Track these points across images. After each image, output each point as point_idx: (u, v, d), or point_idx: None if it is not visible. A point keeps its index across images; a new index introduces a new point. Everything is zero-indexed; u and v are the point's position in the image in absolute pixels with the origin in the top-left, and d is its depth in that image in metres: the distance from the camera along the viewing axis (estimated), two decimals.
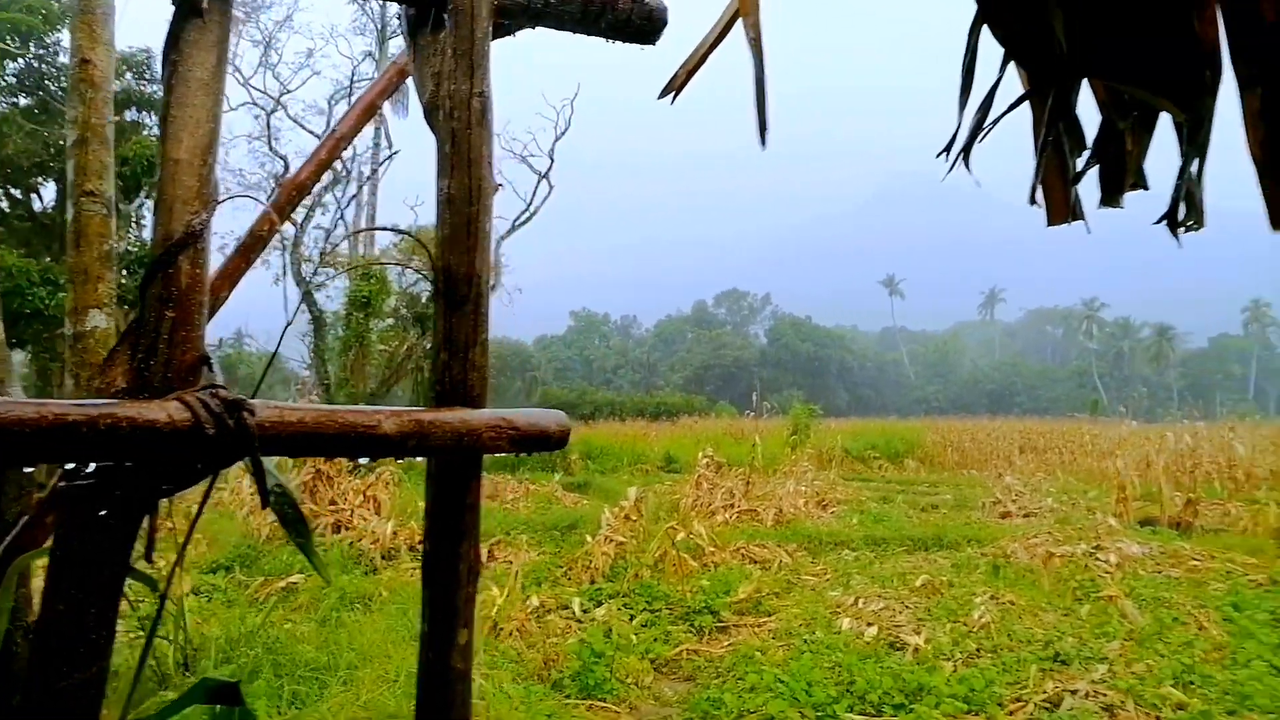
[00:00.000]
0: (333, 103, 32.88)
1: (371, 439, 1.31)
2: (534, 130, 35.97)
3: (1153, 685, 5.44)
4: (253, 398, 1.34)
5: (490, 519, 13.73)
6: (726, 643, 6.97)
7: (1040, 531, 11.16)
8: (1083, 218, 1.39)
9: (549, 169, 30.38)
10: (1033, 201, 1.35)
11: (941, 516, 15.10)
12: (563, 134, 30.06)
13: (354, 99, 33.34)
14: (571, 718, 4.73)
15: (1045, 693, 5.32)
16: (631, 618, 7.48)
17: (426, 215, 47.42)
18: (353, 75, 32.47)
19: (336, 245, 29.77)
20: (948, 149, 1.34)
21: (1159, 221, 1.28)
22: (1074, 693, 5.29)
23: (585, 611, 7.51)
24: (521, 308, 36.63)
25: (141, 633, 4.93)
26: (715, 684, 5.69)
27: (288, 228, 28.40)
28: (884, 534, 12.42)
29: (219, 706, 1.39)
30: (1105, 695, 5.25)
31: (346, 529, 11.42)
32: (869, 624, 7.09)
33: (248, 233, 1.76)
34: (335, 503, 12.27)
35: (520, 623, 6.66)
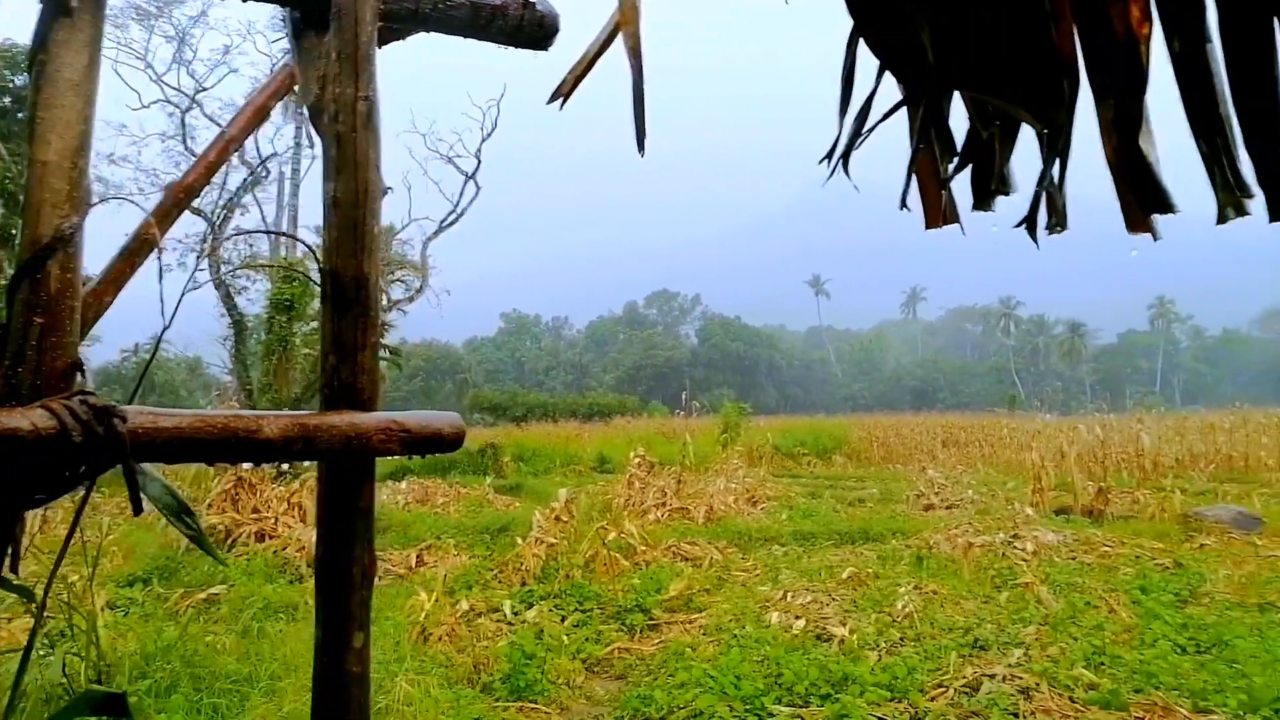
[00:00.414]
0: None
1: (253, 444, 1.28)
2: (460, 131, 35.48)
3: (1066, 667, 5.65)
4: (130, 403, 1.30)
5: (420, 524, 13.53)
6: (658, 640, 7.00)
7: (961, 523, 11.48)
8: (957, 220, 1.44)
9: (476, 170, 30.07)
10: (903, 205, 1.39)
11: (868, 510, 15.41)
12: (489, 135, 29.80)
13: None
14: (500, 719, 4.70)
15: (965, 678, 5.48)
16: (563, 618, 7.46)
17: None
18: (271, 72, 31.64)
19: (252, 247, 28.94)
20: (829, 155, 1.37)
21: (1019, 225, 1.33)
22: (992, 677, 5.46)
23: (516, 614, 7.46)
24: (450, 310, 36.14)
25: (52, 650, 4.73)
26: (646, 681, 5.71)
27: (200, 228, 27.53)
28: (812, 529, 12.62)
29: (105, 718, 1.34)
30: (1021, 678, 5.43)
31: (271, 537, 11.12)
32: (797, 617, 7.20)
33: (133, 236, 1.70)
34: (258, 510, 11.94)
35: (450, 627, 6.58)
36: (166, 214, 1.79)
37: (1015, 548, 9.91)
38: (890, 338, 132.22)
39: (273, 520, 11.64)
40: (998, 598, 7.86)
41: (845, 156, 1.35)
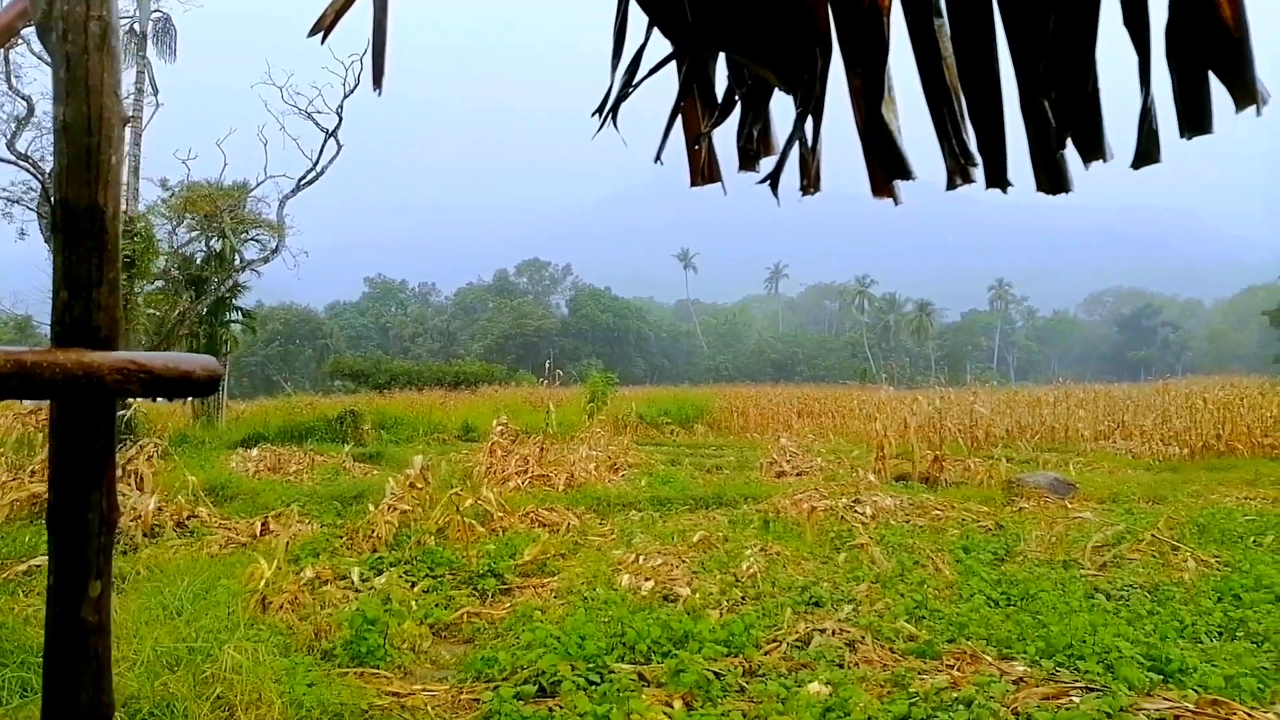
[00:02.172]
0: None
1: None
2: (321, 86, 33.68)
3: (890, 621, 6.04)
4: None
5: (270, 492, 13.06)
6: (509, 604, 7.03)
7: (809, 488, 11.99)
8: (719, 179, 1.49)
9: (337, 127, 28.74)
10: (658, 160, 1.44)
11: (724, 477, 15.89)
12: (352, 91, 28.52)
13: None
14: (339, 685, 4.62)
15: (798, 633, 5.78)
16: (413, 584, 7.38)
17: (200, 169, 43.60)
18: None
19: None
20: (600, 109, 1.40)
21: (762, 181, 1.41)
22: (822, 631, 5.78)
23: (365, 580, 7.33)
24: (311, 273, 34.57)
25: None
26: (493, 644, 5.74)
27: (24, 178, 25.31)
28: (669, 494, 12.92)
29: None
30: (849, 632, 5.78)
31: None
32: (647, 579, 7.38)
33: None
34: None
35: (292, 595, 6.40)
36: None
37: (856, 511, 10.45)
38: (754, 312, 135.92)
39: None
40: (836, 558, 8.29)
41: (615, 109, 1.38)
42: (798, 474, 15.86)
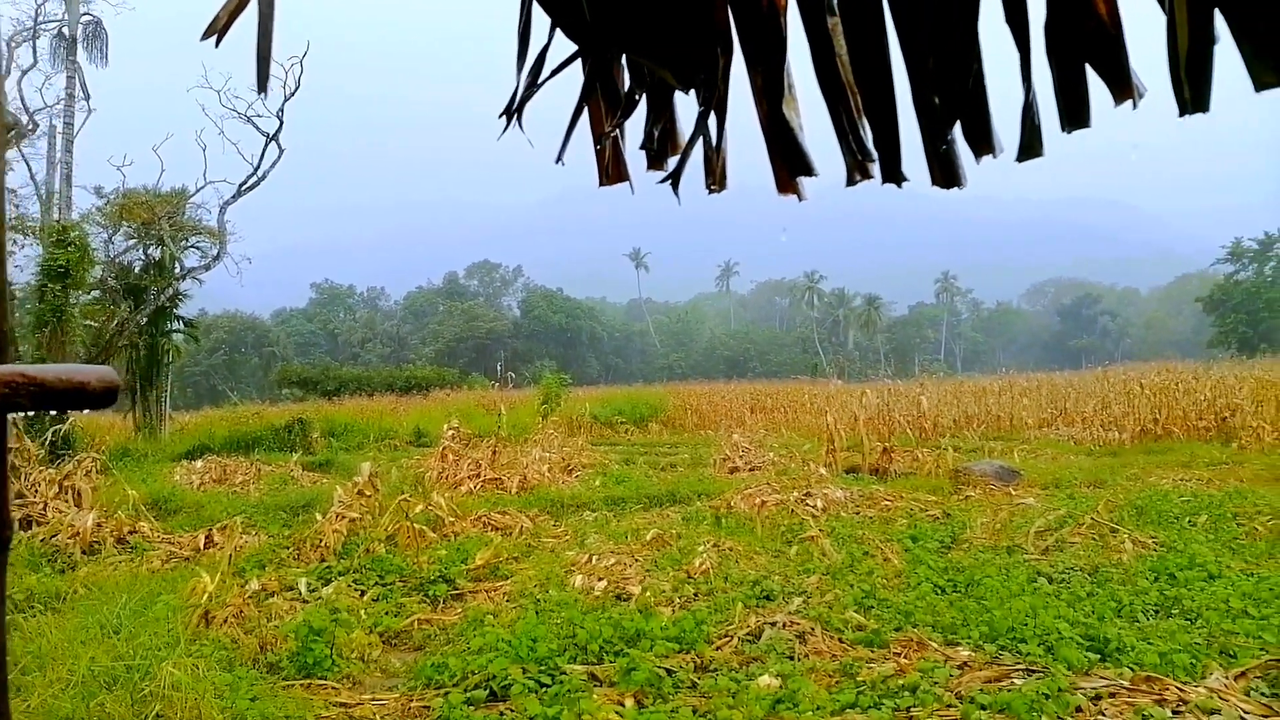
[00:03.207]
0: (13, 44, 28.49)
1: None
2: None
3: (839, 611, 6.11)
4: None
5: (215, 504, 12.80)
6: (460, 610, 6.97)
7: (761, 483, 12.09)
8: (627, 179, 1.50)
9: (278, 131, 28.23)
10: (559, 161, 1.44)
11: (678, 475, 15.95)
12: (293, 94, 28.03)
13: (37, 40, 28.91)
14: (284, 698, 4.54)
15: (749, 627, 5.82)
16: (362, 593, 7.28)
17: (136, 176, 42.41)
18: (37, 14, 28.28)
19: (19, 207, 25.96)
20: (506, 110, 1.40)
21: (663, 181, 1.42)
22: (773, 624, 5.83)
23: (312, 591, 7.21)
24: (255, 280, 33.90)
25: None
26: (444, 650, 5.69)
27: None
28: (623, 494, 12.93)
29: None
30: (799, 624, 5.83)
31: (39, 523, 10.15)
32: (600, 579, 7.38)
33: None
34: (24, 495, 10.85)
35: (237, 609, 6.26)
36: None
37: (807, 505, 10.56)
38: (705, 310, 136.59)
39: (41, 505, 10.62)
40: (788, 551, 8.38)
41: (519, 110, 1.38)
42: (750, 469, 15.97)
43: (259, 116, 28.31)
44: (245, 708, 4.18)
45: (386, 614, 6.69)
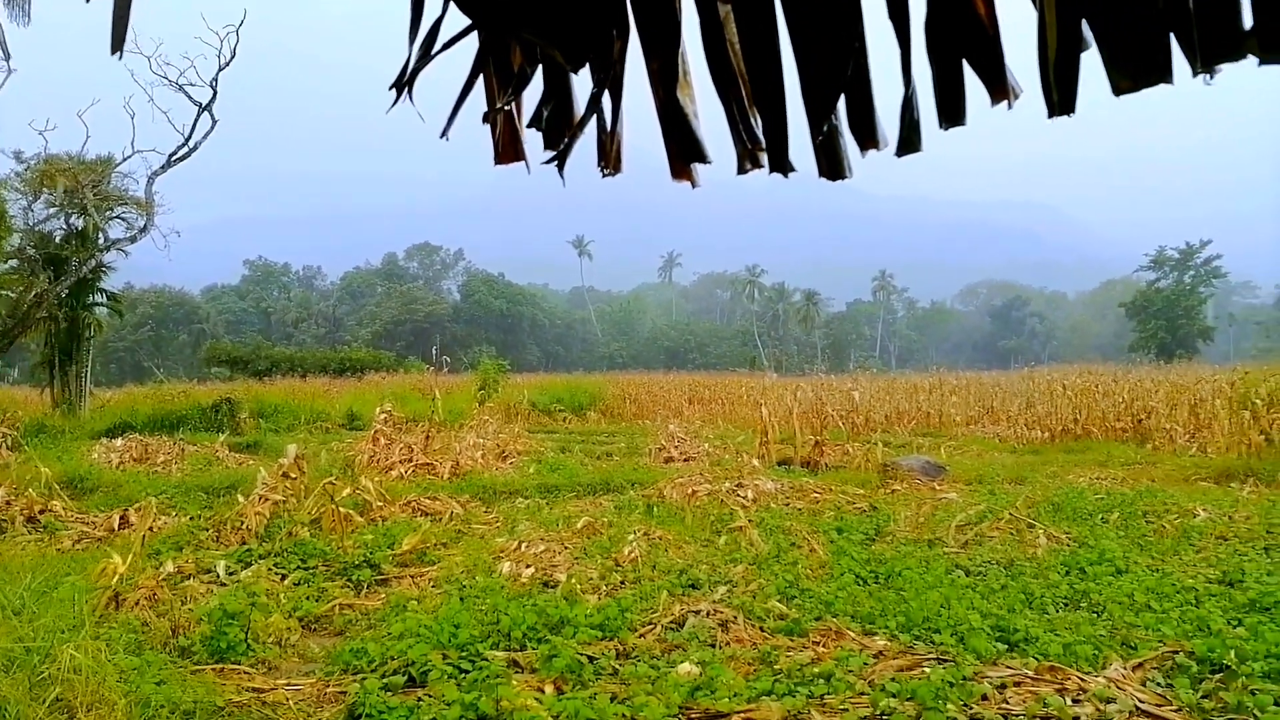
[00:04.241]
0: None
1: None
2: (193, 57, 31.81)
3: (762, 600, 6.20)
4: None
5: (134, 483, 12.44)
6: (384, 595, 6.89)
7: (695, 473, 12.18)
8: (523, 159, 1.48)
9: (212, 101, 27.35)
10: (444, 136, 1.42)
11: (613, 463, 15.98)
12: (227, 64, 27.16)
13: None
14: (194, 683, 4.42)
15: (673, 615, 5.87)
16: (283, 577, 7.14)
17: (59, 141, 40.72)
18: None
19: None
20: (397, 83, 1.37)
21: (548, 162, 1.41)
22: (697, 612, 5.88)
23: (231, 574, 7.06)
24: (185, 254, 32.83)
25: None
26: (365, 635, 5.62)
27: None
28: (557, 481, 12.91)
29: None
30: (723, 613, 5.90)
31: None
32: (528, 566, 7.36)
33: None
34: None
35: (149, 591, 6.09)
36: None
37: (738, 495, 10.68)
38: (648, 300, 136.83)
39: None
40: (716, 541, 8.46)
41: (411, 83, 1.36)
42: (685, 459, 16.10)
43: (192, 85, 27.41)
44: (150, 692, 4.06)
45: (307, 598, 6.57)
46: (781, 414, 18.01)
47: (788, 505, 10.69)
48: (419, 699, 4.45)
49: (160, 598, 6.11)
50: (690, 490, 10.53)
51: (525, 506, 11.00)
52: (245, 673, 4.90)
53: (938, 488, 12.14)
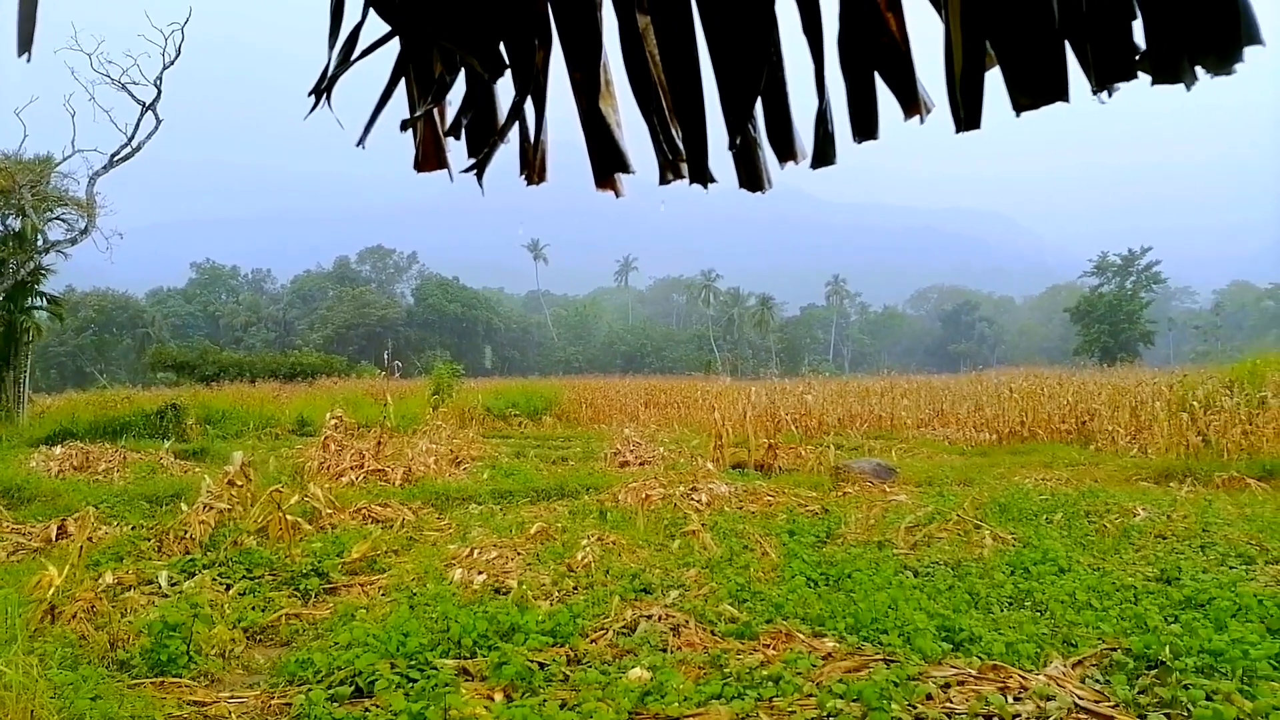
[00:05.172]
0: None
1: None
2: (137, 55, 31.04)
3: (714, 604, 6.22)
4: None
5: (74, 492, 12.09)
6: (333, 605, 6.79)
7: (650, 477, 12.19)
8: (446, 166, 1.48)
9: (156, 100, 26.74)
10: (360, 144, 1.41)
11: (568, 468, 15.93)
12: (172, 62, 26.58)
13: None
14: (132, 697, 4.31)
15: (625, 620, 5.86)
16: (228, 587, 6.99)
17: None
18: None
19: None
20: (315, 89, 1.37)
21: (467, 170, 1.42)
22: (649, 617, 5.89)
23: (174, 585, 6.89)
24: (129, 257, 32.05)
25: None
26: (311, 646, 5.53)
27: None
28: (511, 487, 12.83)
29: None
30: (675, 617, 5.91)
31: None
32: (480, 573, 7.29)
33: None
34: None
35: (88, 603, 5.93)
36: None
37: (692, 499, 10.71)
38: (604, 304, 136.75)
39: None
40: (670, 545, 8.47)
41: (329, 89, 1.35)
42: (641, 464, 16.10)
43: (135, 84, 26.78)
44: (85, 708, 3.95)
45: (252, 609, 6.44)
46: (736, 418, 18.10)
47: (741, 509, 10.74)
48: (366, 709, 4.39)
49: (99, 610, 5.95)
50: (644, 495, 10.53)
51: (478, 512, 10.92)
52: (186, 686, 4.79)
53: (888, 490, 12.30)
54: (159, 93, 26.69)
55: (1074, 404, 21.60)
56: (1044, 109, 1.07)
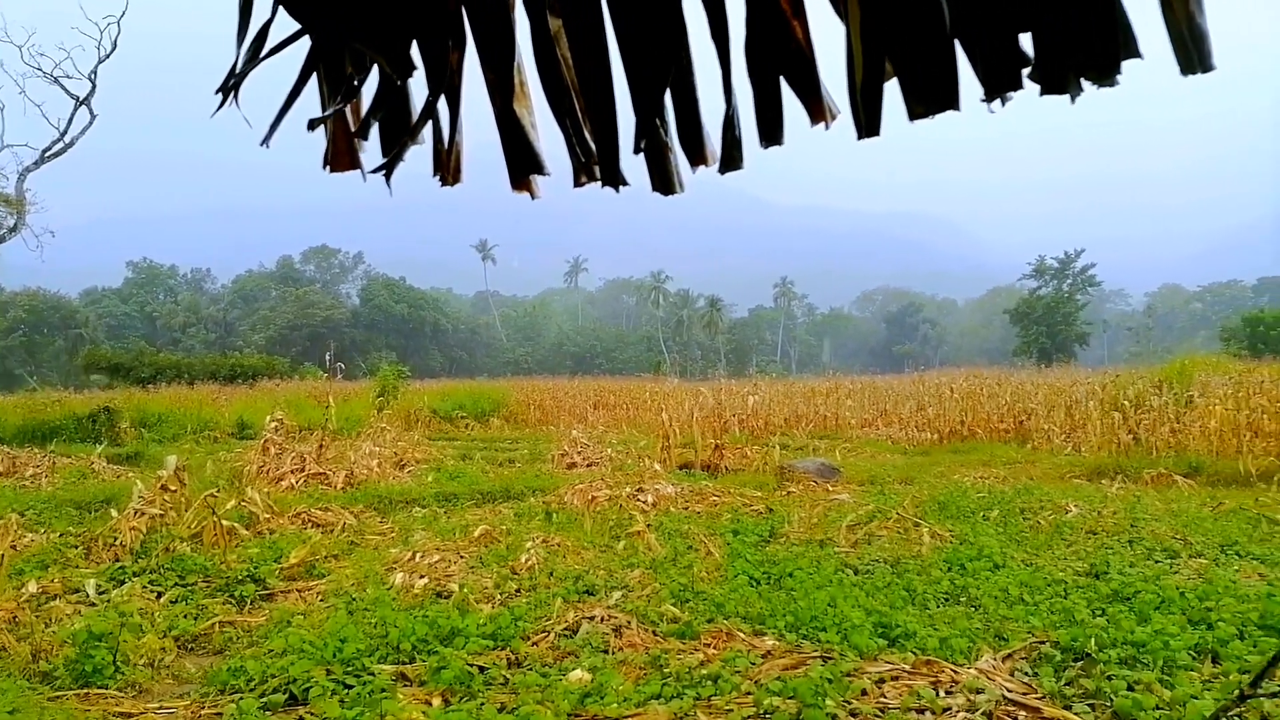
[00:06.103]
0: None
1: None
2: (70, 48, 30.11)
3: (656, 604, 6.23)
4: None
5: None
6: (269, 611, 6.65)
7: (595, 478, 12.17)
8: (359, 167, 1.47)
9: (90, 94, 25.95)
10: (264, 143, 1.39)
11: (515, 470, 15.83)
12: (108, 56, 25.82)
13: None
14: (54, 710, 4.17)
15: (567, 621, 5.84)
16: (160, 595, 6.80)
17: None
18: None
19: None
20: (223, 87, 1.34)
21: (375, 171, 1.41)
22: (591, 618, 5.87)
23: (102, 593, 6.68)
24: (62, 255, 31.02)
25: None
26: (245, 653, 5.40)
27: None
28: (456, 489, 12.71)
29: None
30: (617, 618, 5.90)
31: None
32: (421, 576, 7.21)
33: None
34: None
35: (9, 614, 5.72)
36: None
37: (638, 500, 10.73)
38: (554, 305, 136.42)
39: None
40: (615, 546, 8.47)
41: (237, 87, 1.32)
42: (588, 465, 16.05)
43: (68, 78, 25.96)
44: None
45: (184, 617, 6.28)
46: (683, 419, 18.16)
47: (687, 509, 10.79)
48: (300, 718, 4.31)
49: (21, 620, 5.75)
50: (591, 496, 10.52)
51: (422, 516, 10.80)
52: (112, 697, 4.65)
53: (831, 489, 12.47)
54: (94, 87, 25.93)
55: (1012, 404, 22.13)
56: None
